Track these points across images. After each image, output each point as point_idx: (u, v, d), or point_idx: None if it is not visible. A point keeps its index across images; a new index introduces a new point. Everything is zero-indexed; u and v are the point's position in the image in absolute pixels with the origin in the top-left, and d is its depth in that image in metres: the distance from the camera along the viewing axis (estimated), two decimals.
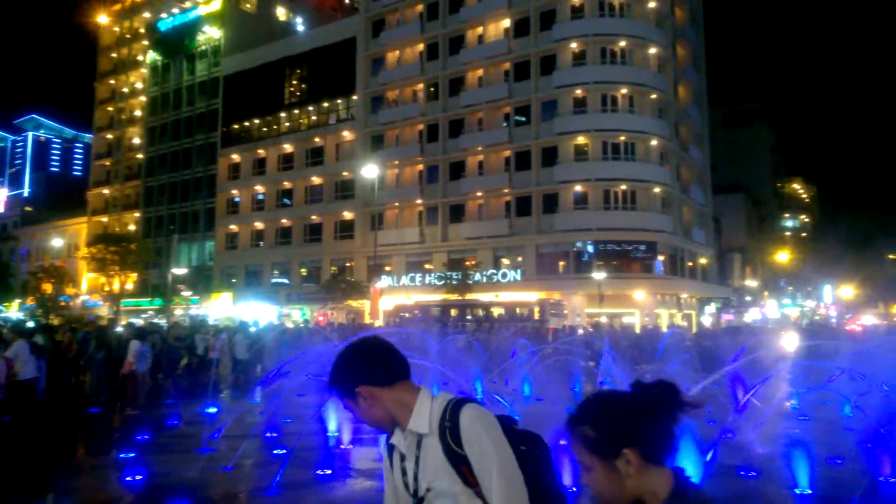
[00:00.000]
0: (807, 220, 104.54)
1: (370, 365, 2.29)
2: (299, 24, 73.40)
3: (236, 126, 63.52)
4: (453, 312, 38.92)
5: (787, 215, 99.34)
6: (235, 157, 63.19)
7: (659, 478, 1.77)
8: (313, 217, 57.45)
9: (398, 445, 2.30)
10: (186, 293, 58.65)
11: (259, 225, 61.01)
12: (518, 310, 37.79)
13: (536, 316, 35.71)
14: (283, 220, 59.29)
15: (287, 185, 59.73)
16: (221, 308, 54.64)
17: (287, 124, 60.83)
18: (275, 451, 9.78)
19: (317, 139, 58.36)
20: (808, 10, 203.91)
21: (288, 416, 11.96)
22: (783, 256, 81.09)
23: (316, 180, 58.00)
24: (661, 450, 1.79)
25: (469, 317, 37.77)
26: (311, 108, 59.58)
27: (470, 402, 2.26)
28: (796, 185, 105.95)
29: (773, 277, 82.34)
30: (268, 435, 10.94)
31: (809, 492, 7.66)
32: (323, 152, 58.11)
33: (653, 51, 47.77)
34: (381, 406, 2.27)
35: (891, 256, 76.50)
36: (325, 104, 58.69)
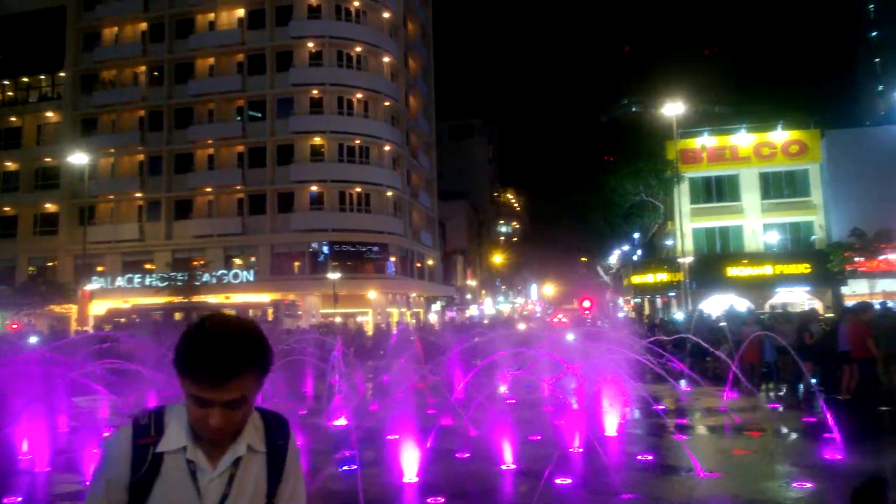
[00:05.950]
0: (518, 226, 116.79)
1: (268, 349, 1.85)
2: None
3: None
4: (178, 316, 36.41)
5: (501, 221, 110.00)
6: None
7: None
8: (6, 209, 49.63)
9: (196, 460, 1.82)
10: None
11: None
12: (251, 311, 36.58)
13: (270, 317, 34.94)
14: None
15: None
16: None
17: None
18: None
19: (13, 118, 50.54)
20: (527, 42, 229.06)
21: None
22: (498, 259, 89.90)
23: (11, 166, 50.17)
24: None
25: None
26: (6, 83, 51.57)
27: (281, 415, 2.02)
28: (510, 195, 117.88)
29: (489, 277, 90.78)
30: None
31: (514, 467, 8.58)
32: (21, 134, 50.52)
33: (386, 59, 49.65)
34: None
35: (583, 259, 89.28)
36: (25, 79, 51.20)
